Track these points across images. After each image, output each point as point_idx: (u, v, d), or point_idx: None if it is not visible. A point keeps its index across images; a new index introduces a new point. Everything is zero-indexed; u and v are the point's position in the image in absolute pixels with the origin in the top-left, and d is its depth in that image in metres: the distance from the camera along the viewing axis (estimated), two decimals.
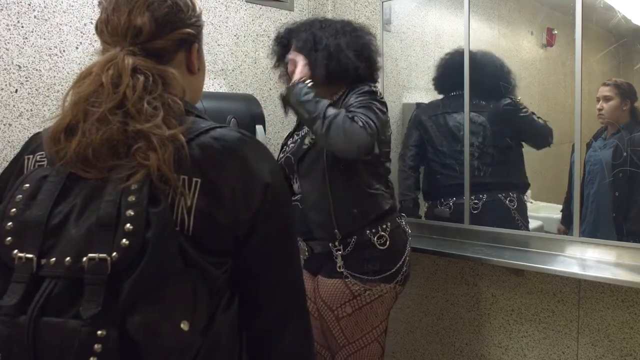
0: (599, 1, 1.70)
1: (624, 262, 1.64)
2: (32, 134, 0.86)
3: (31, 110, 1.61)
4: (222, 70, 2.11)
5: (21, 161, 0.80)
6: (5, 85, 1.56)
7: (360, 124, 1.39)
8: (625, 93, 1.70)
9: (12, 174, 0.80)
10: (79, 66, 1.69)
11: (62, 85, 1.66)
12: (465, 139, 1.98)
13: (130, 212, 0.65)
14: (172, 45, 0.81)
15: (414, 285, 2.20)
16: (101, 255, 0.63)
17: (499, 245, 1.91)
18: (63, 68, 1.67)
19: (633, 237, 1.66)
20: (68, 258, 0.65)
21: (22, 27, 1.58)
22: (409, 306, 2.24)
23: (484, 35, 2.03)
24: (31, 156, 0.79)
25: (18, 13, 1.57)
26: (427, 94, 2.18)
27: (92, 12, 1.72)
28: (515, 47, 2.06)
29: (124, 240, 0.64)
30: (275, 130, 2.29)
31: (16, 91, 1.58)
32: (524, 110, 1.94)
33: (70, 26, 1.68)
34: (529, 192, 2.01)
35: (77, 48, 1.70)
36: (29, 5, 1.59)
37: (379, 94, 1.55)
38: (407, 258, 1.60)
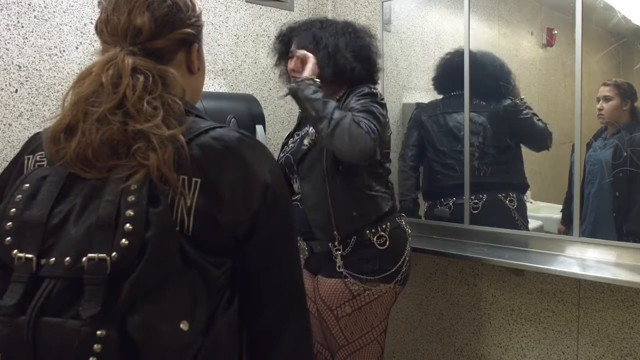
0: (599, 1, 1.70)
1: (624, 262, 1.64)
2: (32, 134, 0.86)
3: (31, 110, 1.61)
4: (222, 70, 2.11)
5: (21, 161, 0.80)
6: (5, 85, 1.56)
7: (365, 129, 1.39)
8: (625, 93, 1.70)
9: (12, 173, 0.80)
10: (79, 66, 1.69)
11: (62, 85, 1.66)
12: (465, 138, 1.97)
13: (130, 212, 0.65)
14: (172, 45, 0.81)
15: (414, 285, 2.20)
16: (101, 255, 0.63)
17: (499, 245, 1.91)
18: (63, 68, 1.67)
19: (633, 237, 1.66)
20: (68, 258, 0.65)
21: (22, 27, 1.58)
22: (409, 306, 2.24)
23: (484, 35, 2.03)
24: (31, 156, 0.79)
25: (18, 13, 1.57)
26: (427, 94, 2.18)
27: (92, 12, 1.72)
28: (515, 47, 2.06)
29: (123, 240, 0.64)
30: (275, 130, 2.29)
31: (16, 91, 1.58)
32: (525, 112, 1.94)
33: (70, 26, 1.68)
34: (528, 192, 2.01)
35: (77, 48, 1.70)
36: (29, 5, 1.59)
37: (378, 95, 1.55)
38: (407, 258, 1.60)
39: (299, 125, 1.71)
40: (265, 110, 2.10)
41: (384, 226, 1.55)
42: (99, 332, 0.61)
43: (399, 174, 2.15)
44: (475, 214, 1.98)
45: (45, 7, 1.62)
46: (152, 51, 0.78)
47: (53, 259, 0.66)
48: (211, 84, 2.07)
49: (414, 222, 2.05)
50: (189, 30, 0.83)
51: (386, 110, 1.55)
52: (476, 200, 1.99)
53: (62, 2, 1.66)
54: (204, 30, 0.89)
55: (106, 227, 0.65)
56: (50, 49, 1.64)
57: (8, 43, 1.55)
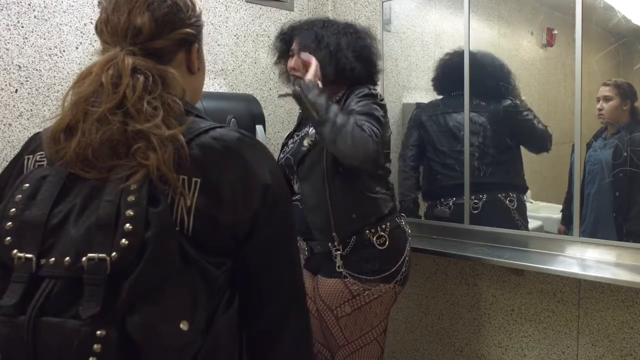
0: (599, 1, 1.70)
1: (624, 262, 1.64)
2: (32, 134, 0.86)
3: (31, 110, 1.61)
4: (222, 70, 2.11)
5: (21, 161, 0.80)
6: (5, 85, 1.56)
7: (368, 132, 1.39)
8: (625, 93, 1.70)
9: (12, 173, 0.80)
10: (79, 66, 1.69)
11: (62, 85, 1.66)
12: (465, 138, 1.97)
13: (130, 212, 0.65)
14: (172, 45, 0.81)
15: (414, 285, 2.20)
16: (100, 255, 0.63)
17: (499, 245, 1.91)
18: (63, 68, 1.67)
19: (633, 237, 1.66)
20: (67, 258, 0.65)
21: (22, 27, 1.58)
22: (409, 306, 2.24)
23: (484, 35, 2.03)
24: (31, 156, 0.79)
25: (18, 13, 1.57)
26: (427, 94, 2.18)
27: (92, 12, 1.72)
28: (515, 47, 2.06)
29: (123, 240, 0.64)
30: (275, 130, 2.29)
31: (16, 91, 1.58)
32: (525, 113, 1.94)
33: (70, 26, 1.68)
34: (528, 192, 2.01)
35: (77, 48, 1.70)
36: (29, 5, 1.59)
37: (378, 96, 1.55)
38: (407, 258, 1.60)
39: (299, 126, 1.71)
40: (265, 110, 2.10)
41: (383, 226, 1.55)
42: (98, 332, 0.61)
43: (399, 174, 2.15)
44: (475, 214, 1.98)
45: (45, 7, 1.62)
46: (152, 51, 0.78)
47: (53, 258, 0.66)
48: (211, 84, 2.07)
49: (414, 222, 2.05)
50: (189, 30, 0.83)
51: (386, 111, 1.55)
52: (476, 200, 1.99)
53: (62, 2, 1.66)
54: (204, 30, 0.89)
55: (106, 227, 0.65)
56: (50, 49, 1.64)
57: (8, 43, 1.55)
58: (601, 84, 1.74)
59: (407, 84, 2.27)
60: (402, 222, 1.63)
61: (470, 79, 1.95)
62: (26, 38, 1.59)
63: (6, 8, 1.55)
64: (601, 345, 1.75)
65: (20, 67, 1.58)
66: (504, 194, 1.96)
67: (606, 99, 1.73)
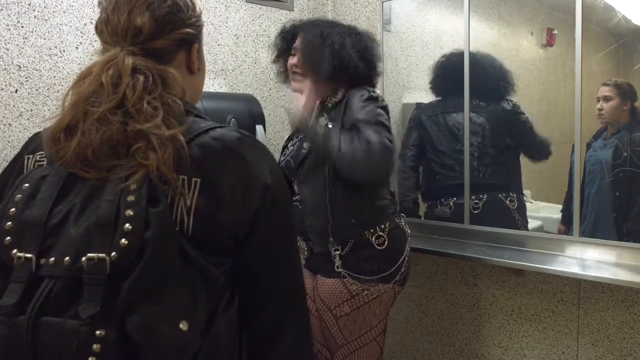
0: (599, 1, 1.70)
1: (624, 262, 1.64)
2: (32, 134, 0.86)
3: (31, 110, 1.61)
4: (222, 70, 2.11)
5: (21, 161, 0.80)
6: (5, 85, 1.56)
7: (378, 146, 1.36)
8: (625, 93, 1.70)
9: (12, 173, 0.80)
10: (79, 66, 1.69)
11: (62, 85, 1.66)
12: (465, 139, 1.97)
13: (130, 212, 0.65)
14: (172, 45, 0.81)
15: (414, 285, 2.20)
16: (100, 255, 0.63)
17: (499, 245, 1.91)
18: (63, 68, 1.67)
19: (633, 237, 1.66)
20: (67, 258, 0.65)
21: (22, 27, 1.58)
22: (409, 306, 2.24)
23: (484, 35, 2.03)
24: (31, 156, 0.79)
25: (18, 13, 1.57)
26: (427, 94, 2.18)
27: (92, 12, 1.72)
28: (515, 47, 2.06)
29: (123, 240, 0.64)
30: (275, 130, 2.29)
31: (16, 91, 1.58)
32: (525, 116, 1.95)
33: (70, 26, 1.68)
34: (528, 192, 2.01)
35: (77, 48, 1.70)
36: (29, 5, 1.59)
37: (379, 99, 1.54)
38: (407, 258, 1.60)
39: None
40: (265, 110, 2.10)
41: (382, 226, 1.54)
42: (98, 332, 0.61)
43: (399, 174, 2.15)
44: (475, 214, 1.98)
45: (45, 7, 1.62)
46: (152, 51, 0.78)
47: (52, 258, 0.66)
48: (211, 84, 2.07)
49: (414, 222, 2.05)
50: (189, 30, 0.83)
51: (388, 113, 1.54)
52: (477, 201, 1.99)
53: (62, 2, 1.66)
54: (204, 30, 0.89)
55: (106, 227, 0.65)
56: (50, 49, 1.64)
57: (8, 43, 1.55)
58: (601, 84, 1.74)
59: (407, 84, 2.27)
60: (401, 222, 1.63)
61: (469, 79, 1.95)
62: (26, 38, 1.59)
63: (6, 8, 1.55)
64: (601, 345, 1.75)
65: (20, 67, 1.58)
66: (504, 194, 1.97)
67: (606, 99, 1.73)
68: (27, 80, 1.60)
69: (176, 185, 0.69)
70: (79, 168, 0.70)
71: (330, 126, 1.49)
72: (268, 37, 2.20)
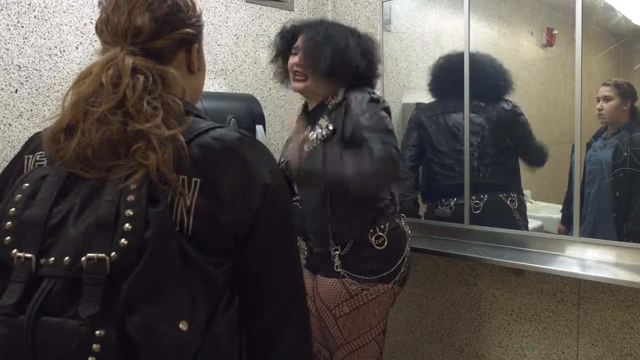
0: (599, 1, 1.70)
1: (624, 262, 1.64)
2: (32, 134, 0.86)
3: (31, 110, 1.61)
4: (222, 70, 2.11)
5: (21, 161, 0.80)
6: (5, 85, 1.56)
7: (382, 155, 1.37)
8: (625, 93, 1.70)
9: (12, 173, 0.80)
10: (79, 66, 1.69)
11: (62, 85, 1.66)
12: (465, 139, 1.97)
13: (129, 212, 0.65)
14: (172, 45, 0.81)
15: (414, 285, 2.20)
16: (100, 255, 0.63)
17: (499, 245, 1.91)
18: (63, 68, 1.67)
19: (633, 237, 1.66)
20: (67, 258, 0.65)
21: (22, 27, 1.58)
22: (409, 306, 2.24)
23: (484, 35, 2.03)
24: (31, 156, 0.79)
25: (18, 13, 1.57)
26: (427, 94, 2.18)
27: (92, 12, 1.72)
28: (515, 47, 2.06)
29: (122, 240, 0.64)
30: (275, 130, 2.29)
31: (16, 91, 1.58)
32: (524, 117, 1.95)
33: (70, 26, 1.68)
34: (528, 192, 2.01)
35: (77, 48, 1.70)
36: (29, 5, 1.59)
37: (381, 100, 1.53)
38: (406, 259, 1.60)
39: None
40: (265, 110, 2.10)
41: (382, 226, 1.54)
42: (97, 332, 0.61)
43: None
44: (476, 214, 1.98)
45: (45, 7, 1.62)
46: (152, 51, 0.78)
47: (52, 258, 0.66)
48: (211, 84, 2.07)
49: (414, 222, 2.05)
50: (189, 30, 0.83)
51: (390, 114, 1.54)
52: (477, 201, 1.99)
53: (62, 2, 1.66)
54: (204, 30, 0.89)
55: (105, 227, 0.65)
56: (50, 49, 1.64)
57: (8, 43, 1.55)
58: (601, 84, 1.74)
59: (407, 84, 2.27)
60: (401, 222, 1.63)
61: (469, 79, 1.95)
62: (26, 38, 1.59)
63: (6, 8, 1.55)
64: (601, 345, 1.75)
65: (20, 67, 1.58)
66: (504, 194, 1.96)
67: (606, 99, 1.73)
68: (27, 80, 1.60)
69: (176, 185, 0.69)
70: (78, 168, 0.70)
71: (330, 128, 1.49)
72: (268, 37, 2.20)
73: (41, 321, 0.63)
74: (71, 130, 0.72)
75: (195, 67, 0.86)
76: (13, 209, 0.69)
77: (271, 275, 0.80)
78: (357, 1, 2.36)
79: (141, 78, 0.73)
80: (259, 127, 1.92)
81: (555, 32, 1.93)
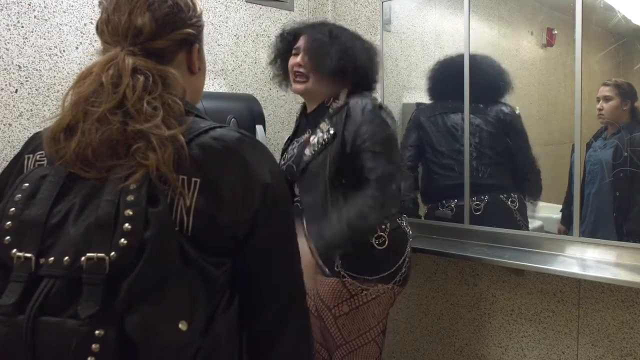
0: (599, 1, 1.70)
1: (624, 262, 1.64)
2: (32, 134, 0.86)
3: (31, 110, 1.61)
4: (222, 70, 2.11)
5: (21, 160, 0.80)
6: (5, 85, 1.56)
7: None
8: (625, 93, 1.70)
9: (12, 173, 0.80)
10: (79, 66, 1.69)
11: (62, 85, 1.66)
12: (466, 139, 1.97)
13: (129, 212, 0.65)
14: (172, 45, 0.81)
15: (414, 285, 2.20)
16: (99, 254, 0.63)
17: (499, 245, 1.91)
18: (63, 68, 1.67)
19: (633, 237, 1.66)
20: (66, 257, 0.65)
21: (22, 27, 1.58)
22: (409, 306, 2.24)
23: (484, 35, 2.03)
24: (31, 155, 0.80)
25: (18, 13, 1.57)
26: (427, 94, 2.18)
27: (92, 12, 1.72)
28: (515, 47, 2.06)
29: (122, 240, 0.64)
30: (275, 131, 2.29)
31: (16, 91, 1.58)
32: (521, 121, 1.95)
33: (70, 26, 1.68)
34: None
35: (77, 48, 1.70)
36: (29, 5, 1.59)
37: (383, 107, 1.53)
38: (407, 259, 1.59)
39: (297, 131, 1.69)
40: (265, 110, 2.10)
41: (383, 227, 1.54)
42: (97, 332, 0.61)
43: None
44: (477, 215, 1.98)
45: (45, 7, 1.62)
46: (152, 51, 0.78)
47: (52, 258, 0.66)
48: (211, 84, 2.07)
49: (414, 222, 2.04)
50: (189, 30, 0.83)
51: (392, 117, 1.53)
52: (478, 202, 1.99)
53: (62, 2, 1.66)
54: (204, 31, 0.89)
55: (105, 227, 0.65)
56: (50, 49, 1.64)
57: (8, 43, 1.56)
58: (601, 84, 1.74)
59: (407, 84, 2.27)
60: (402, 222, 1.63)
61: (469, 81, 1.95)
62: (26, 38, 1.59)
63: (6, 8, 1.55)
64: (601, 345, 1.75)
65: (20, 67, 1.58)
66: (505, 195, 1.96)
67: (606, 99, 1.73)
68: (27, 80, 1.60)
69: (176, 185, 0.69)
70: (78, 168, 0.70)
71: (332, 132, 1.48)
72: (268, 37, 2.20)
73: (40, 321, 0.63)
74: (71, 130, 0.72)
75: (195, 68, 0.86)
76: (13, 208, 0.69)
77: (271, 275, 0.80)
78: (357, 1, 2.36)
79: (141, 78, 0.73)
80: (259, 127, 1.92)
81: (555, 32, 1.93)
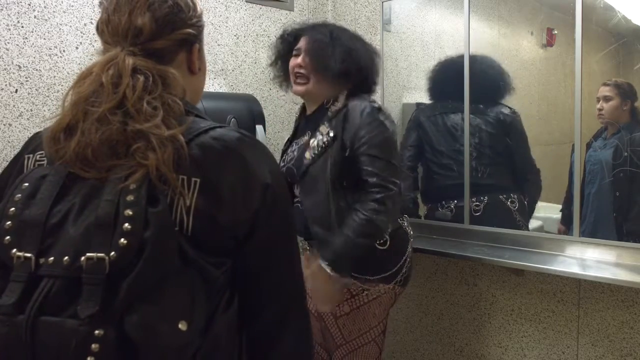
0: (599, 1, 1.70)
1: (624, 262, 1.64)
2: (32, 134, 0.86)
3: (31, 110, 1.61)
4: (222, 70, 2.11)
5: (21, 160, 0.80)
6: (5, 85, 1.56)
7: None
8: (625, 93, 1.70)
9: (12, 173, 0.80)
10: (79, 66, 1.69)
11: (62, 85, 1.66)
12: (466, 140, 1.97)
13: (129, 212, 0.65)
14: (172, 45, 0.81)
15: (414, 285, 2.20)
16: (99, 254, 0.63)
17: (499, 245, 1.91)
18: (63, 68, 1.67)
19: (633, 237, 1.66)
20: (66, 257, 0.65)
21: (22, 27, 1.58)
22: (409, 306, 2.24)
23: (484, 35, 2.03)
24: (31, 155, 0.80)
25: (18, 13, 1.57)
26: (427, 94, 2.18)
27: (92, 12, 1.72)
28: (515, 47, 2.06)
29: (122, 239, 0.64)
30: (275, 130, 2.29)
31: (16, 91, 1.58)
32: (520, 124, 1.95)
33: (70, 26, 1.68)
34: None
35: (77, 48, 1.70)
36: (29, 5, 1.59)
37: (381, 109, 1.52)
38: (408, 259, 1.60)
39: (296, 133, 1.69)
40: (265, 110, 2.10)
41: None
42: (96, 332, 0.61)
43: None
44: (476, 216, 1.98)
45: (45, 7, 1.62)
46: (152, 51, 0.78)
47: (52, 258, 0.66)
48: (211, 84, 2.07)
49: (414, 222, 2.04)
50: (190, 30, 0.83)
51: (391, 120, 1.53)
52: (477, 203, 1.98)
53: (62, 2, 1.66)
54: (204, 31, 0.89)
55: (105, 227, 0.65)
56: (50, 49, 1.64)
57: (8, 43, 1.56)
58: (601, 84, 1.74)
59: (407, 84, 2.27)
60: (404, 223, 1.63)
61: (469, 81, 1.95)
62: (26, 38, 1.59)
63: (6, 8, 1.55)
64: (601, 345, 1.75)
65: (20, 67, 1.58)
66: (504, 195, 1.96)
67: (606, 99, 1.73)
68: (27, 80, 1.60)
69: (176, 185, 0.69)
70: (78, 168, 0.70)
71: (331, 135, 1.48)
72: (268, 37, 2.20)
73: (40, 321, 0.63)
74: (71, 130, 0.72)
75: (196, 68, 0.86)
76: (13, 208, 0.69)
77: (271, 275, 0.80)
78: (357, 1, 2.36)
79: (141, 78, 0.73)
80: (259, 127, 1.92)
81: (555, 32, 1.93)
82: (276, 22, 2.26)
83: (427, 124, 2.11)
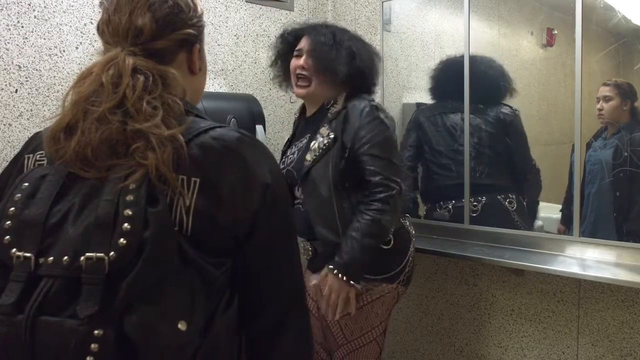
0: (599, 1, 1.70)
1: (624, 262, 1.64)
2: (32, 134, 0.86)
3: (31, 110, 1.61)
4: (222, 70, 2.11)
5: (21, 160, 0.80)
6: (5, 85, 1.56)
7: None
8: (625, 93, 1.70)
9: (12, 173, 0.80)
10: (79, 66, 1.69)
11: (62, 85, 1.66)
12: (466, 140, 1.97)
13: (128, 212, 0.65)
14: (173, 45, 0.81)
15: (414, 285, 2.20)
16: (99, 254, 0.63)
17: (499, 245, 1.91)
18: (63, 68, 1.67)
19: (633, 237, 1.66)
20: (66, 257, 0.65)
21: (22, 27, 1.58)
22: (409, 306, 2.24)
23: (484, 35, 2.03)
24: (31, 155, 0.80)
25: (18, 13, 1.57)
26: (427, 94, 2.18)
27: (92, 12, 1.72)
28: (515, 47, 2.06)
29: (121, 239, 0.64)
30: (275, 131, 2.29)
31: (16, 91, 1.58)
32: (520, 123, 1.95)
33: (70, 26, 1.68)
34: None
35: (77, 48, 1.70)
36: (29, 5, 1.59)
37: (380, 108, 1.52)
38: (411, 259, 1.60)
39: (296, 134, 1.68)
40: (265, 110, 2.10)
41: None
42: (96, 332, 0.61)
43: None
44: (474, 216, 1.98)
45: (45, 7, 1.62)
46: (153, 52, 0.78)
47: (51, 258, 0.66)
48: (211, 84, 2.07)
49: (414, 222, 2.03)
50: (190, 30, 0.83)
51: (390, 118, 1.53)
52: (475, 203, 1.98)
53: (62, 2, 1.66)
54: (204, 31, 0.89)
55: (104, 227, 0.65)
56: (50, 49, 1.64)
57: (8, 43, 1.56)
58: (601, 84, 1.73)
59: (407, 84, 2.27)
60: (406, 222, 1.63)
61: (469, 81, 1.95)
62: (26, 38, 1.59)
63: (6, 8, 1.55)
64: (601, 345, 1.75)
65: (20, 67, 1.58)
66: (503, 196, 1.96)
67: (606, 99, 1.73)
68: (27, 80, 1.60)
69: (175, 185, 0.69)
70: (78, 167, 0.70)
71: (332, 136, 1.48)
72: (268, 37, 2.20)
73: (40, 320, 0.63)
74: (71, 130, 0.72)
75: (196, 68, 0.86)
76: (13, 208, 0.69)
77: (271, 275, 0.80)
78: (357, 1, 2.36)
79: (141, 78, 0.73)
80: (259, 127, 1.92)
81: (555, 32, 1.92)
82: (276, 22, 2.26)
83: (426, 124, 2.11)
